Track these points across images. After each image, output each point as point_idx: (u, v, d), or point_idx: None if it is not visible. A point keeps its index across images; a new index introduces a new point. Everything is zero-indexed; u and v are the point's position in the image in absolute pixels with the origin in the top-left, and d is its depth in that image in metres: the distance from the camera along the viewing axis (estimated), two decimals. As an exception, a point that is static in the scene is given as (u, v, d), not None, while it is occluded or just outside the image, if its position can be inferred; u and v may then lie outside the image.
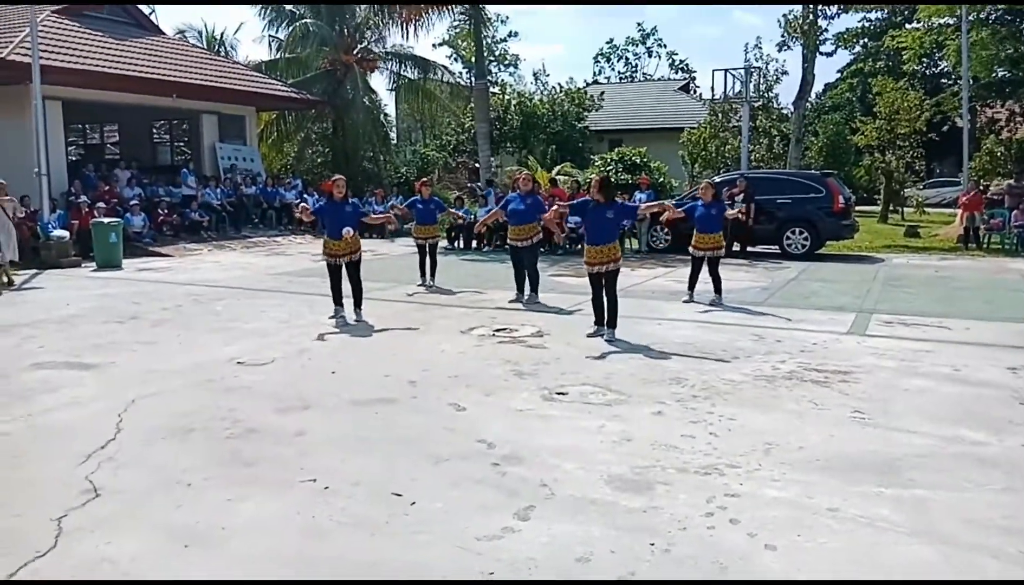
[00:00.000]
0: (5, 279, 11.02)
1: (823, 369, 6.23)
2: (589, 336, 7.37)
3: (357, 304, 8.29)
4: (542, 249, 10.52)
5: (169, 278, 11.99)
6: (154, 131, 23.51)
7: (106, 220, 13.82)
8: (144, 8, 23.85)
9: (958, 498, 3.84)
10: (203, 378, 5.99)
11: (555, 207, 8.53)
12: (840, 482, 4.00)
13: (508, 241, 9.58)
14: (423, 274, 10.89)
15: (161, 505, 3.73)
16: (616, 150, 21.59)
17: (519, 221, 9.32)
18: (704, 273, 9.40)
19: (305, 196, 20.35)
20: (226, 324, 8.22)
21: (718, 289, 9.30)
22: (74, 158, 20.83)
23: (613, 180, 10.22)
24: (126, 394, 5.51)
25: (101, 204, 15.26)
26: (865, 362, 6.48)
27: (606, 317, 7.37)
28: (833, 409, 5.22)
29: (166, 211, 17.21)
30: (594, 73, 48.26)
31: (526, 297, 9.37)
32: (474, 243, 16.65)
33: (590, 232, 7.39)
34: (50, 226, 13.86)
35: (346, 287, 8.29)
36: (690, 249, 9.56)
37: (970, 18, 22.71)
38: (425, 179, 12.23)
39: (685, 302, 9.33)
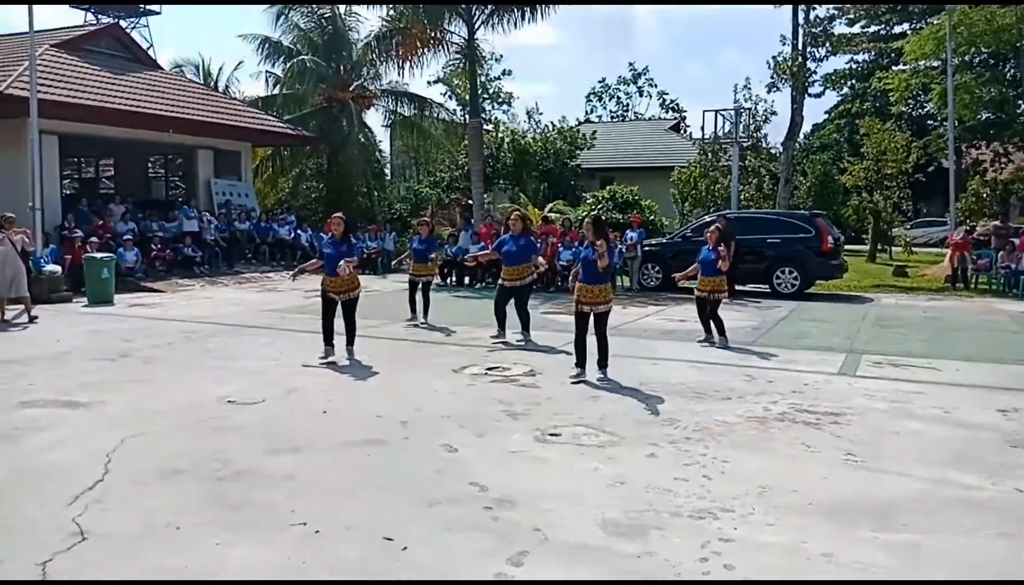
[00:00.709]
0: (20, 315, 11.00)
1: (815, 410, 6.24)
2: (572, 381, 7.21)
3: (349, 342, 8.25)
4: (536, 286, 10.55)
5: (161, 314, 11.94)
6: (149, 166, 23.63)
7: (98, 255, 13.79)
8: (142, 42, 24.15)
9: (951, 543, 3.84)
10: (193, 418, 5.94)
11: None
12: (834, 526, 3.99)
13: (502, 281, 9.58)
14: (413, 310, 10.90)
15: (149, 549, 3.68)
16: (608, 188, 21.83)
17: (513, 262, 9.37)
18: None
19: (299, 232, 20.47)
20: (217, 362, 8.19)
21: (721, 331, 9.30)
22: (68, 192, 20.86)
23: (603, 218, 10.33)
24: (115, 434, 5.45)
25: (94, 239, 15.27)
26: (856, 404, 6.50)
27: (598, 357, 7.35)
28: (825, 451, 5.23)
29: (159, 246, 17.20)
30: (586, 112, 48.97)
31: (520, 337, 9.37)
32: (467, 279, 16.71)
33: (584, 271, 7.43)
34: (42, 261, 13.82)
35: (338, 324, 8.27)
36: (695, 291, 9.64)
37: (955, 61, 23.22)
38: (425, 220, 12.23)
39: (700, 342, 9.33)
